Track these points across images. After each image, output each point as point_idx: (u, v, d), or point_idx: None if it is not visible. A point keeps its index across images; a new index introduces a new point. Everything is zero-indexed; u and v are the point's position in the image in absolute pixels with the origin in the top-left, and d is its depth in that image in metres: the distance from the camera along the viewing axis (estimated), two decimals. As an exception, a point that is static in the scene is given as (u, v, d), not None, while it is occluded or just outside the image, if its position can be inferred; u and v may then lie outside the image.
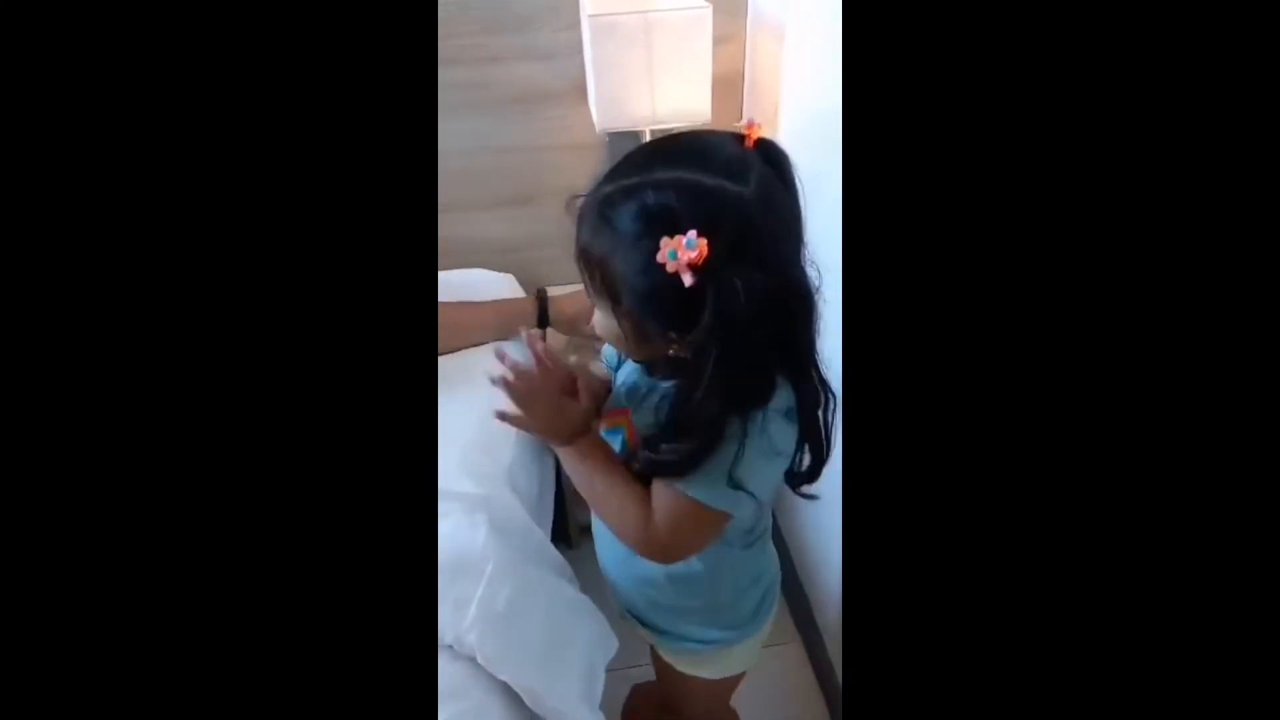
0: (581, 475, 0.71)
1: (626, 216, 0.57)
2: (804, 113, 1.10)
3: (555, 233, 1.53)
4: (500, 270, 1.42)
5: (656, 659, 0.93)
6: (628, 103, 1.14)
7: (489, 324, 1.05)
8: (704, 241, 0.53)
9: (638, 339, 0.63)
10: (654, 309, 0.59)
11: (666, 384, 0.68)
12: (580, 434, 0.71)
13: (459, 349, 1.09)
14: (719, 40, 1.15)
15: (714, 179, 0.56)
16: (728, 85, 1.36)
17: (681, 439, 0.62)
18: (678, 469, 0.63)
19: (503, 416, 0.70)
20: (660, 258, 0.54)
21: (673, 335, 0.59)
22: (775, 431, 0.63)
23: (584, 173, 1.45)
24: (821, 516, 1.21)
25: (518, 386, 0.68)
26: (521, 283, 1.44)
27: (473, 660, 0.74)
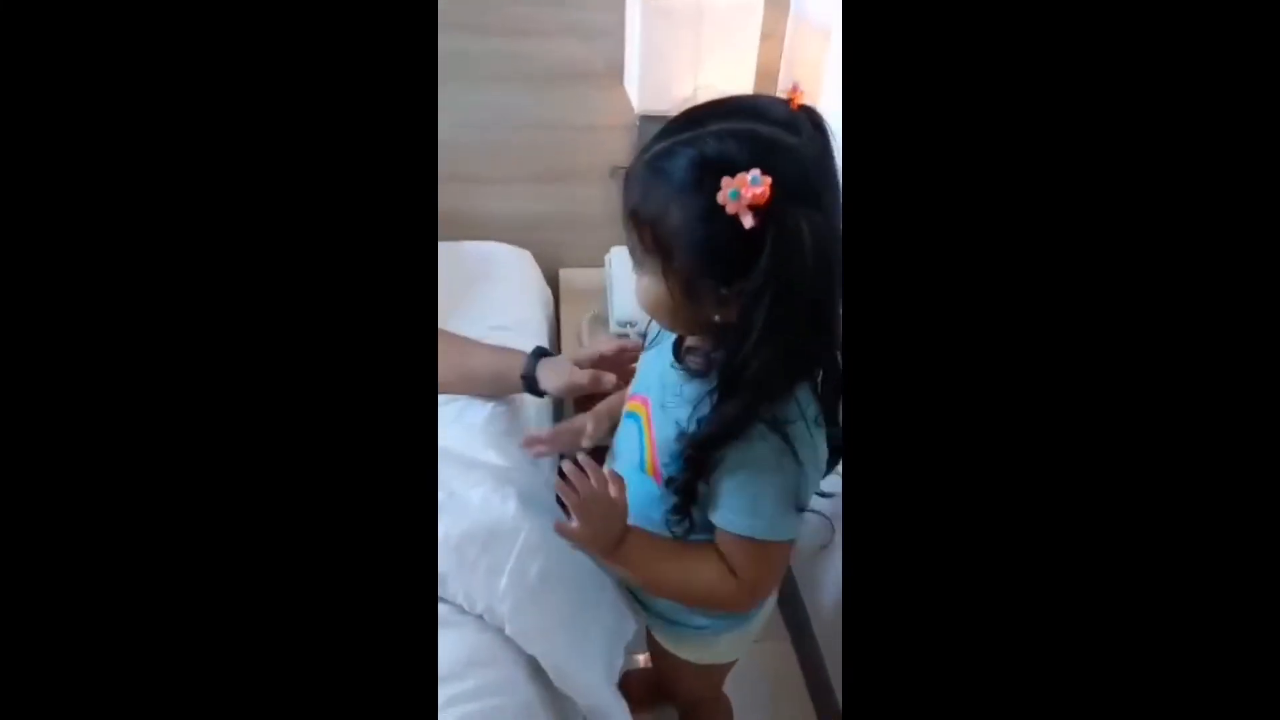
0: (643, 571, 0.71)
1: (683, 166, 0.56)
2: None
3: (578, 213, 1.52)
4: (520, 246, 1.41)
5: (650, 638, 0.93)
6: (670, 86, 1.13)
7: (478, 376, 1.00)
8: (768, 179, 0.53)
9: (686, 299, 0.61)
10: (710, 258, 0.58)
11: (695, 387, 0.66)
12: (622, 539, 0.70)
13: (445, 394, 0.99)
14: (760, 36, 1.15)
15: (770, 129, 0.56)
16: (762, 80, 1.36)
17: (730, 399, 0.61)
18: (733, 429, 0.62)
19: (561, 530, 0.70)
20: (721, 198, 0.54)
21: (724, 291, 0.58)
22: (819, 444, 0.64)
23: (612, 155, 1.44)
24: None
25: (574, 499, 0.67)
26: (539, 260, 1.42)
27: (500, 631, 0.73)
